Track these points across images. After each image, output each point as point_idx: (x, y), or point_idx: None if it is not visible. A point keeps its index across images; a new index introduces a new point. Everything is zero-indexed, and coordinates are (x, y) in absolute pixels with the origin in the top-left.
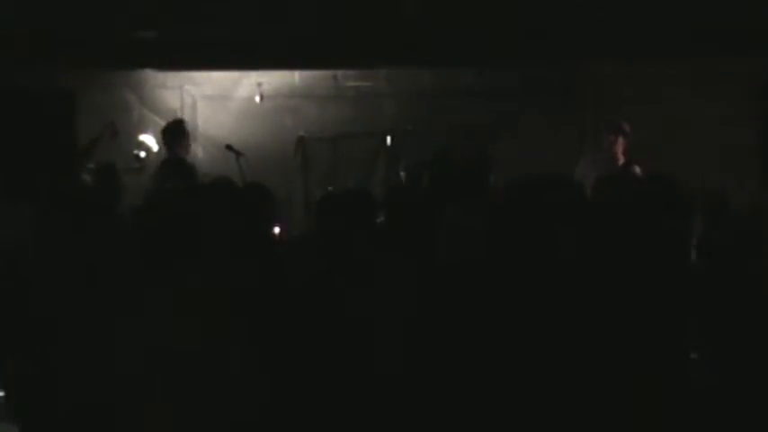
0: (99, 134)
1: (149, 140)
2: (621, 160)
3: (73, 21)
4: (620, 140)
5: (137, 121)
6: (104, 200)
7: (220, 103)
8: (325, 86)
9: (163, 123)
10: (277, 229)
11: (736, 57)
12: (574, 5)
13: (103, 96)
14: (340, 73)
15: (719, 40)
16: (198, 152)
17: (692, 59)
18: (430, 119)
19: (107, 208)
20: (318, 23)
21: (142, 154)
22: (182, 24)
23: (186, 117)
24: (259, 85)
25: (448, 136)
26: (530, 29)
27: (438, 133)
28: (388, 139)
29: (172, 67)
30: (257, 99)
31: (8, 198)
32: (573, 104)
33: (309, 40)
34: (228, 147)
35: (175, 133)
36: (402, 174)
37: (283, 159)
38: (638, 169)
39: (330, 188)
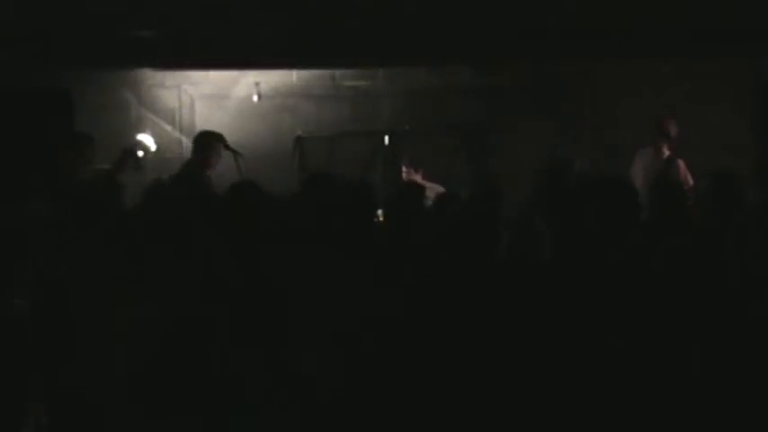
0: (120, 159)
1: (147, 140)
2: (665, 155)
3: (71, 20)
4: (662, 140)
5: (134, 121)
6: (104, 199)
7: (218, 102)
8: (322, 86)
9: (161, 123)
10: None
11: (736, 57)
12: (572, 5)
13: (101, 96)
14: (338, 72)
15: (719, 40)
16: None
17: (692, 59)
18: (428, 118)
19: (107, 206)
20: (316, 23)
21: (140, 153)
22: (179, 24)
23: (184, 116)
24: (257, 84)
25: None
26: (528, 28)
27: (436, 132)
28: (386, 138)
29: (170, 67)
30: (255, 98)
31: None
32: (571, 104)
33: (307, 39)
34: (226, 146)
35: (207, 144)
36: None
37: (281, 159)
38: (682, 164)
39: None
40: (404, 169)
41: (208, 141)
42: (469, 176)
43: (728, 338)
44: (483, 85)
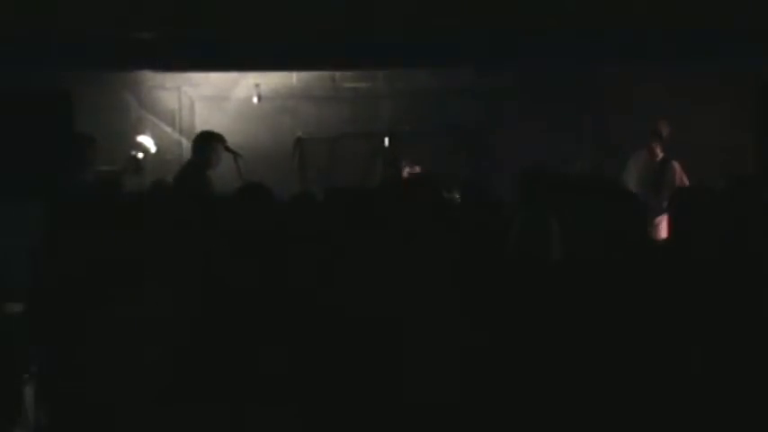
0: (123, 167)
1: (147, 141)
2: (660, 156)
3: (71, 21)
4: (655, 141)
5: (134, 122)
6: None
7: (218, 103)
8: (322, 87)
9: (161, 124)
10: None
11: (736, 57)
12: (573, 5)
13: (102, 97)
14: (338, 74)
15: (719, 40)
16: None
17: (691, 60)
18: (428, 119)
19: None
20: (316, 24)
21: (140, 155)
22: (180, 25)
23: (184, 118)
24: (257, 85)
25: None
26: (529, 29)
27: (436, 134)
28: (386, 139)
29: (170, 68)
30: (255, 100)
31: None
32: (572, 104)
33: (307, 40)
34: (226, 147)
35: (207, 145)
36: None
37: (281, 160)
38: (676, 166)
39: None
40: (406, 169)
41: (208, 142)
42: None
43: (729, 339)
44: (483, 86)
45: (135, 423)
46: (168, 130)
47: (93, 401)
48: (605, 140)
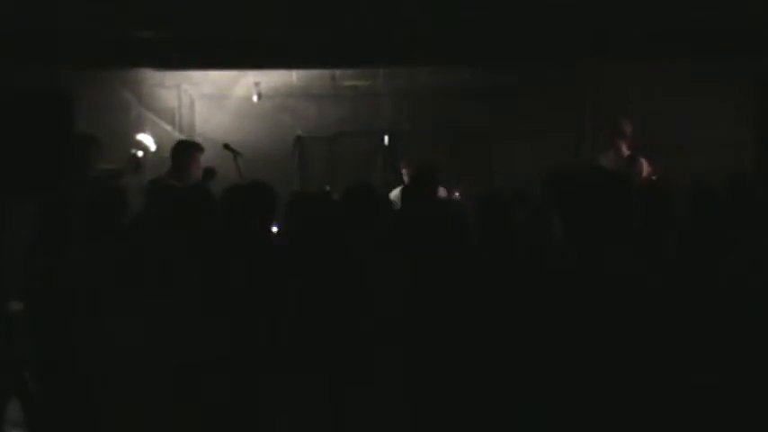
0: (123, 167)
1: (147, 140)
2: (626, 154)
3: (71, 20)
4: (620, 139)
5: (134, 121)
6: (109, 203)
7: (218, 102)
8: (322, 86)
9: (161, 123)
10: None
11: (736, 57)
12: (573, 5)
13: (101, 96)
14: (338, 72)
15: (719, 40)
16: None
17: (691, 59)
18: (428, 118)
19: (113, 210)
20: (316, 23)
21: (140, 153)
22: (179, 24)
23: (184, 116)
24: (257, 84)
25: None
26: (529, 28)
27: (436, 133)
28: (386, 138)
29: (170, 67)
30: (255, 98)
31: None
32: (572, 104)
33: (307, 39)
34: (226, 146)
35: (186, 154)
36: None
37: (281, 159)
38: (644, 162)
39: (327, 188)
40: (404, 170)
41: (186, 151)
42: (470, 177)
43: (731, 342)
44: (483, 85)
45: (134, 422)
46: (168, 128)
47: (91, 400)
48: (606, 141)
